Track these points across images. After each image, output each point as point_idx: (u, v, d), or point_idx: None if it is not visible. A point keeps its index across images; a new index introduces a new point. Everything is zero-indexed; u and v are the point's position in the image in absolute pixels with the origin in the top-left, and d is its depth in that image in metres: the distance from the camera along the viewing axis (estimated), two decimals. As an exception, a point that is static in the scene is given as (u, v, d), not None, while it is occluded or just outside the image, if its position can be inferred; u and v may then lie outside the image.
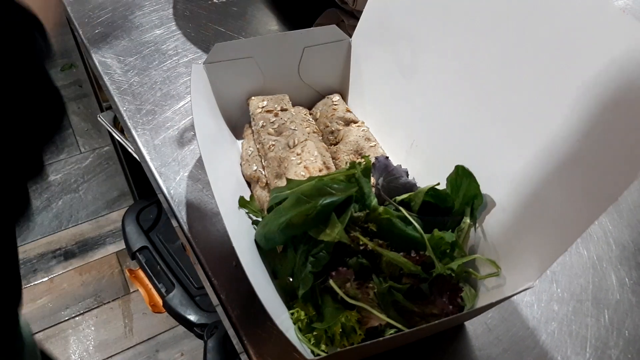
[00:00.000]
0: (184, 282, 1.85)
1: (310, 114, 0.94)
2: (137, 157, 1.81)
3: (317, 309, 0.67)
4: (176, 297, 1.83)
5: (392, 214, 0.65)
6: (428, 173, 0.80)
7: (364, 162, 0.69)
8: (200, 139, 0.74)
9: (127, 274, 2.15)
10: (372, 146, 0.85)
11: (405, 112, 0.84)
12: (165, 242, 1.98)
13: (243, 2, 1.33)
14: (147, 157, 0.92)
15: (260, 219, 0.76)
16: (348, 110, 0.92)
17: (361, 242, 0.63)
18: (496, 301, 0.58)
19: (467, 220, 0.67)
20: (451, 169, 0.73)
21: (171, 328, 2.14)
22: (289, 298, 0.70)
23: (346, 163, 0.83)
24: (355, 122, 0.90)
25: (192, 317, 1.79)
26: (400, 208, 0.67)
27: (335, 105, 0.92)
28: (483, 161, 0.69)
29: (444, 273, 0.64)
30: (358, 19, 0.94)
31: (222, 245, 0.80)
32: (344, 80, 0.97)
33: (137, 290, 2.10)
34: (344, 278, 0.63)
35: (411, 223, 0.67)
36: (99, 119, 1.96)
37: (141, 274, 1.95)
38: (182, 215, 0.84)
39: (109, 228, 2.59)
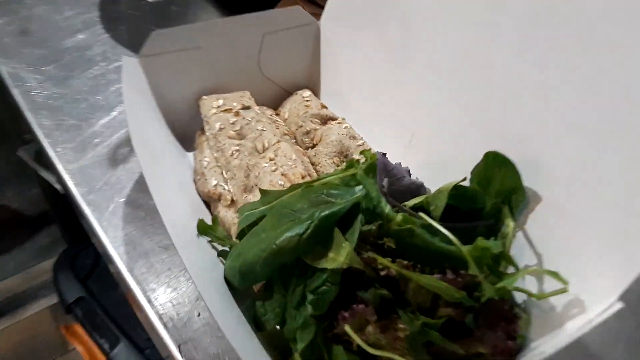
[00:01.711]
0: (130, 334, 1.59)
1: (276, 115, 0.76)
2: (57, 187, 1.55)
3: (322, 365, 0.48)
4: (122, 353, 1.56)
5: (414, 223, 0.47)
6: (435, 170, 0.63)
7: (367, 158, 0.51)
8: (139, 153, 0.55)
9: (63, 331, 1.85)
10: (359, 145, 0.68)
11: (398, 102, 0.68)
12: (106, 289, 1.71)
13: (183, 0, 1.15)
14: (70, 182, 0.71)
15: (228, 248, 0.56)
16: (323, 106, 0.74)
17: (380, 266, 0.45)
18: (579, 333, 0.41)
19: (511, 222, 0.51)
20: (466, 163, 0.56)
21: (120, 388, 1.86)
22: (279, 356, 0.50)
23: (335, 166, 0.65)
24: (333, 119, 0.73)
25: (143, 376, 1.53)
26: (422, 215, 0.49)
27: (307, 101, 0.75)
28: (514, 148, 0.53)
29: (494, 297, 0.46)
30: (322, 7, 0.78)
31: (177, 290, 0.60)
32: (313, 71, 0.80)
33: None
34: (362, 320, 0.45)
35: (438, 233, 0.49)
36: (18, 154, 1.69)
37: (79, 329, 1.66)
38: (119, 254, 0.63)
39: (41, 279, 2.29)
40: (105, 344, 1.63)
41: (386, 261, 0.45)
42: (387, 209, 0.48)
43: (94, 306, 1.66)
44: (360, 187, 0.48)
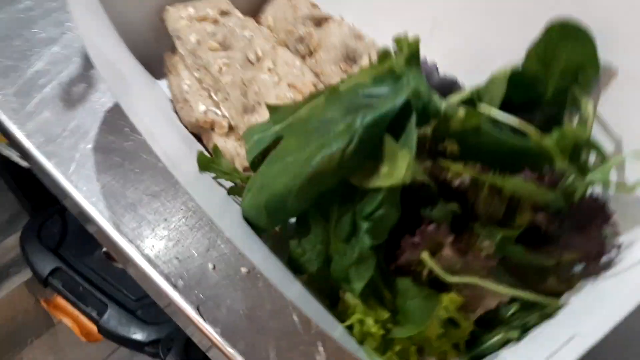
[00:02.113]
0: (117, 297, 1.49)
1: (258, 24, 0.63)
2: (20, 159, 1.38)
3: (386, 304, 0.39)
4: (112, 317, 1.48)
5: (479, 118, 0.37)
6: (467, 62, 0.53)
7: (403, 46, 0.40)
8: (108, 78, 0.42)
9: (45, 305, 1.75)
10: (368, 44, 0.56)
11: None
12: (82, 255, 1.59)
13: None
14: (19, 134, 0.57)
15: (236, 184, 0.45)
16: (314, 5, 0.62)
17: (450, 174, 0.36)
18: None
19: (589, 103, 0.41)
20: (508, 47, 0.46)
21: (113, 352, 1.80)
22: (327, 300, 0.41)
23: (343, 73, 0.54)
24: (329, 19, 0.60)
25: (138, 336, 1.45)
26: (486, 106, 0.40)
27: (293, 2, 0.62)
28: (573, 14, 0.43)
29: (585, 194, 0.38)
30: None
31: (181, 242, 0.49)
32: (294, -35, 0.66)
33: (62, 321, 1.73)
34: (434, 242, 0.36)
35: (504, 128, 0.40)
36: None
37: (62, 301, 1.56)
38: (100, 210, 0.51)
39: (9, 257, 2.14)
40: (93, 311, 1.54)
41: (458, 166, 0.35)
42: (444, 104, 0.38)
43: (72, 275, 1.54)
44: (405, 80, 0.37)
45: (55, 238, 1.75)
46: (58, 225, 1.79)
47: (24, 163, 1.38)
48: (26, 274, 2.17)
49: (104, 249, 1.30)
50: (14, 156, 1.46)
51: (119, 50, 0.56)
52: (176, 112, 0.55)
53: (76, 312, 1.61)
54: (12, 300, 2.10)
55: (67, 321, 1.65)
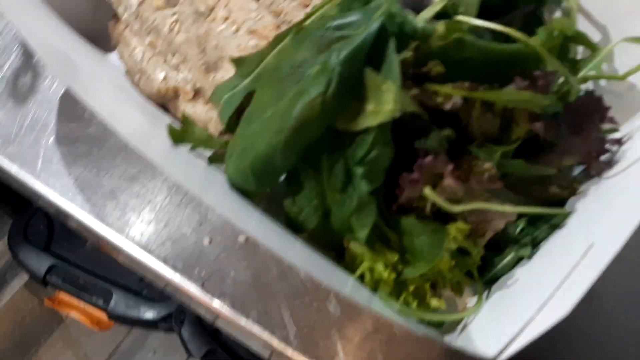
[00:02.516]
0: (120, 281, 1.49)
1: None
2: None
3: (393, 246, 0.37)
4: (119, 302, 1.48)
5: (460, 29, 0.34)
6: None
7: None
8: (52, 65, 0.39)
9: (49, 304, 1.74)
10: (324, -27, 0.52)
11: None
12: (74, 248, 1.56)
13: None
14: (-28, 140, 0.53)
15: (215, 151, 0.43)
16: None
17: (441, 98, 0.33)
18: None
19: (570, -7, 0.39)
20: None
21: (129, 333, 1.82)
22: (333, 253, 0.40)
23: (304, 7, 0.50)
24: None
25: (149, 315, 1.47)
26: (462, 18, 0.37)
27: (233, -60, 0.56)
28: None
29: (580, 92, 0.36)
30: None
31: (171, 222, 0.47)
32: None
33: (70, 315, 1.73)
34: (435, 174, 0.34)
35: (485, 35, 0.37)
36: None
37: (65, 296, 1.55)
38: (79, 205, 0.49)
39: (1, 263, 2.12)
40: (98, 300, 1.54)
41: (448, 88, 0.33)
42: (421, 22, 0.34)
43: (69, 269, 1.52)
44: (375, 3, 0.34)
45: (43, 236, 1.71)
46: (43, 222, 1.75)
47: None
48: (23, 277, 2.15)
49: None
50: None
51: (57, 30, 0.51)
52: (135, 85, 0.51)
53: (82, 304, 1.61)
54: (16, 304, 2.09)
55: (75, 315, 1.65)
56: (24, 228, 1.73)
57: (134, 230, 0.47)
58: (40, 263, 1.65)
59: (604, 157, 0.38)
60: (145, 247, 0.46)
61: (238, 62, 0.40)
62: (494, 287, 0.39)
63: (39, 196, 0.50)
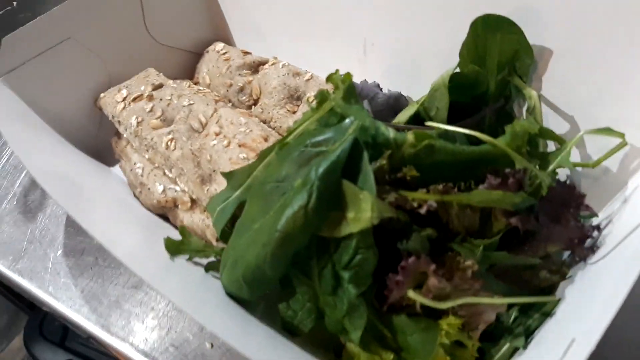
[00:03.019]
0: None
1: (195, 85, 0.63)
2: None
3: (389, 344, 0.38)
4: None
5: (429, 136, 0.37)
6: (405, 74, 0.53)
7: (338, 83, 0.40)
8: (52, 191, 0.42)
9: (62, 403, 1.69)
10: (308, 79, 0.57)
11: (333, 11, 0.56)
12: (89, 342, 1.55)
13: (26, 5, 0.94)
14: (-16, 259, 0.56)
15: (213, 259, 0.44)
16: (246, 53, 0.62)
17: (415, 203, 0.35)
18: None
19: (532, 91, 0.42)
20: (443, 53, 0.47)
21: None
22: (331, 353, 0.40)
23: (291, 114, 0.53)
24: (264, 63, 0.60)
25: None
26: (432, 124, 0.39)
27: (224, 54, 0.61)
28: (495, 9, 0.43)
29: (552, 184, 0.38)
30: None
31: (174, 328, 0.48)
32: (216, 18, 0.67)
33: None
34: (418, 275, 0.35)
35: (457, 138, 0.40)
36: None
37: (79, 394, 1.51)
38: (85, 316, 0.50)
39: (18, 359, 2.08)
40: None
41: (421, 194, 0.35)
42: (392, 133, 0.37)
43: (83, 365, 1.50)
44: (348, 120, 0.37)
45: (59, 332, 1.70)
46: (58, 319, 1.74)
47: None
48: (38, 375, 2.10)
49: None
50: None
51: (62, 151, 0.55)
52: (136, 197, 0.54)
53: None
54: (31, 403, 2.03)
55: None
56: (39, 324, 1.73)
57: (138, 338, 0.48)
58: (56, 359, 1.63)
59: (588, 242, 0.39)
60: (149, 355, 0.47)
61: (229, 175, 0.42)
62: (494, 379, 0.39)
63: (49, 307, 0.52)
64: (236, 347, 0.32)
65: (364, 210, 0.34)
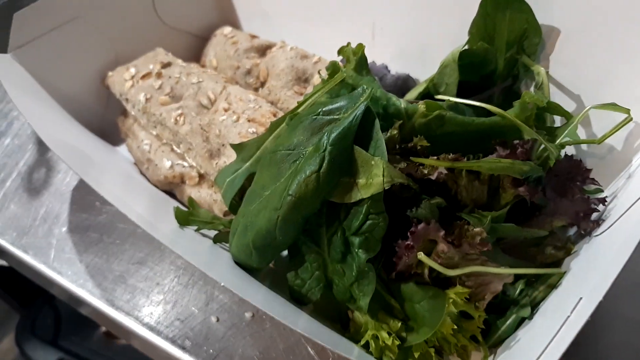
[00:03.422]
0: (129, 368, 1.45)
1: (202, 67, 0.63)
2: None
3: (396, 313, 0.38)
4: (129, 393, 1.43)
5: (440, 107, 0.37)
6: (413, 56, 0.54)
7: (353, 51, 0.40)
8: (67, 159, 0.42)
9: (54, 399, 1.68)
10: (316, 62, 0.57)
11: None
12: (82, 339, 1.54)
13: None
14: (-11, 234, 0.55)
15: (218, 231, 0.45)
16: (253, 36, 0.62)
17: (427, 170, 0.35)
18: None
19: (540, 68, 0.42)
20: (450, 33, 0.47)
21: None
22: (337, 324, 0.41)
23: (299, 95, 0.54)
24: (272, 46, 0.61)
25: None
26: (442, 96, 0.40)
27: (232, 38, 0.62)
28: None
29: (559, 157, 0.38)
30: None
31: (179, 302, 0.48)
32: (224, 3, 0.67)
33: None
34: (428, 242, 0.35)
35: (466, 111, 0.40)
36: None
37: (72, 390, 1.49)
38: (90, 291, 0.50)
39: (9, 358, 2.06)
40: (107, 392, 1.48)
41: (432, 161, 0.35)
42: (403, 103, 0.38)
43: (77, 360, 1.49)
44: (359, 89, 0.37)
45: (51, 329, 1.69)
46: (50, 316, 1.73)
47: (2, 262, 1.34)
48: (31, 373, 2.08)
49: (103, 329, 1.26)
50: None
51: (70, 127, 0.55)
52: (143, 174, 0.54)
53: (91, 395, 1.54)
54: (22, 401, 2.01)
55: (83, 409, 1.58)
56: (31, 323, 1.71)
57: (143, 312, 0.48)
58: (48, 357, 1.61)
59: (593, 216, 0.40)
60: (154, 328, 0.47)
61: (239, 147, 0.43)
62: (499, 350, 0.39)
63: (52, 284, 0.52)
64: (244, 297, 0.32)
65: (375, 175, 0.34)
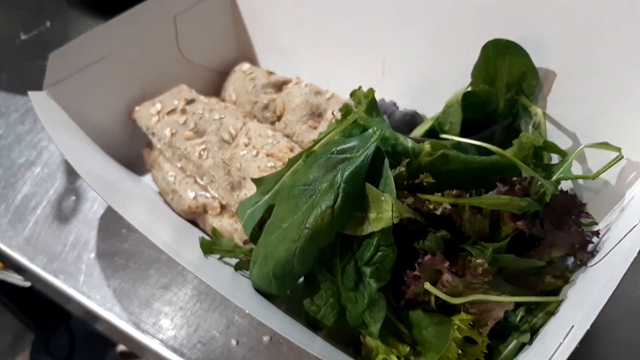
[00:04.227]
0: (143, 391, 1.47)
1: (222, 101, 0.67)
2: (17, 280, 1.38)
3: (404, 339, 0.41)
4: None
5: (444, 146, 0.41)
6: (420, 93, 0.58)
7: (364, 94, 0.44)
8: (98, 187, 0.45)
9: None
10: (329, 98, 0.61)
11: (352, 35, 0.61)
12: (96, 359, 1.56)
13: (58, 25, 1.01)
14: (22, 259, 0.59)
15: (238, 259, 0.48)
16: (270, 73, 0.66)
17: (432, 205, 0.39)
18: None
19: (537, 109, 0.46)
20: (455, 73, 0.51)
21: None
22: (350, 348, 0.43)
23: (313, 129, 0.57)
24: (288, 82, 0.65)
25: None
26: (446, 136, 0.43)
27: (250, 74, 0.66)
28: (506, 34, 0.47)
29: (555, 192, 0.41)
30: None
31: (201, 326, 0.51)
32: (242, 40, 0.72)
33: None
34: (434, 272, 0.38)
35: (469, 149, 0.44)
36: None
37: (87, 409, 1.52)
38: (117, 314, 0.53)
39: (22, 376, 2.08)
40: (121, 412, 1.50)
41: (437, 197, 0.38)
42: (410, 142, 0.41)
43: (91, 381, 1.51)
44: (370, 130, 0.41)
45: (65, 349, 1.72)
46: (65, 336, 1.77)
47: (23, 283, 1.38)
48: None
49: (119, 350, 1.29)
50: (10, 278, 1.46)
51: (99, 158, 0.59)
52: (167, 204, 0.58)
53: (104, 418, 1.57)
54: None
55: None
56: (46, 342, 1.75)
57: (168, 335, 0.51)
58: (63, 376, 1.63)
59: (589, 247, 0.43)
60: (178, 350, 0.50)
61: (259, 181, 0.46)
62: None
63: (81, 308, 0.55)
64: (264, 321, 0.35)
65: (385, 210, 0.37)
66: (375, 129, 0.40)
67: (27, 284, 1.35)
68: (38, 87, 0.85)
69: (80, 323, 1.64)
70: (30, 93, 0.54)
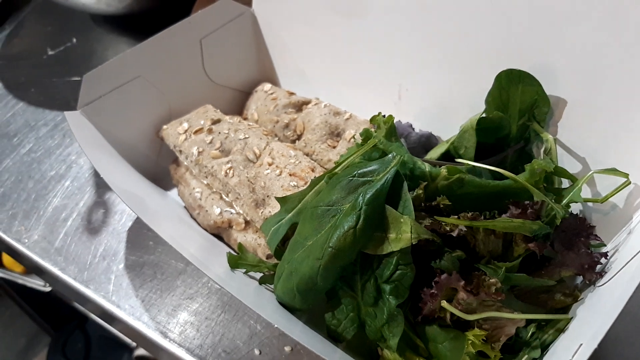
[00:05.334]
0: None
1: (244, 120, 0.70)
2: (37, 284, 1.42)
3: (421, 353, 0.44)
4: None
5: (460, 171, 0.43)
6: (435, 116, 0.60)
7: (384, 120, 0.47)
8: (128, 201, 0.48)
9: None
10: (347, 118, 0.63)
11: (370, 58, 0.64)
12: (111, 365, 1.59)
13: (84, 41, 1.05)
14: (54, 269, 0.62)
15: (263, 273, 0.51)
16: (291, 93, 0.69)
17: (448, 227, 0.41)
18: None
19: (548, 135, 0.48)
20: (469, 97, 0.54)
21: None
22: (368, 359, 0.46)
23: (332, 148, 0.60)
24: (308, 103, 0.67)
25: None
26: (462, 160, 0.46)
27: (271, 94, 0.69)
28: (517, 64, 0.50)
29: (565, 215, 0.44)
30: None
31: (225, 335, 0.54)
32: (264, 62, 0.75)
33: None
34: (449, 289, 0.41)
35: (483, 173, 0.46)
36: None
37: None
38: (145, 323, 0.56)
39: (38, 379, 2.11)
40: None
41: (453, 219, 0.41)
42: (428, 167, 0.44)
43: (109, 384, 1.55)
44: (390, 155, 0.44)
45: (81, 352, 1.76)
46: (81, 340, 1.81)
47: (43, 288, 1.42)
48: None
49: (135, 355, 1.32)
50: (29, 283, 1.50)
51: (129, 173, 0.62)
52: (193, 218, 0.61)
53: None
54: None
55: None
56: (62, 345, 1.79)
57: (194, 344, 0.54)
58: (79, 380, 1.66)
59: (597, 268, 0.45)
60: (204, 358, 0.52)
61: (282, 200, 0.49)
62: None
63: (111, 317, 0.58)
64: (288, 332, 0.38)
65: (404, 231, 0.40)
66: (394, 154, 0.43)
67: (48, 288, 1.39)
68: (65, 102, 0.89)
69: (96, 327, 1.67)
70: (66, 113, 0.58)
